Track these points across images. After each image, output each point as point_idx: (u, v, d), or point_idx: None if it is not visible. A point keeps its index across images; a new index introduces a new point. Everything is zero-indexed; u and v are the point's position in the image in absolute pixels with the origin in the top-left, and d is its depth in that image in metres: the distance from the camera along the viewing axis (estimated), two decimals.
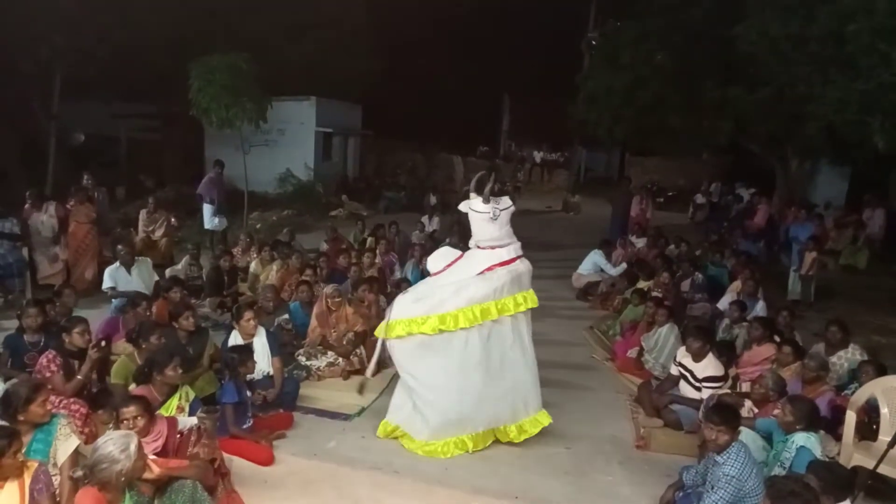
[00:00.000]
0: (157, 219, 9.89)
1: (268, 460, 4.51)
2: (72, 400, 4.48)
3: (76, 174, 10.55)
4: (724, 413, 3.88)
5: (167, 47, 14.81)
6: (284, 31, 18.73)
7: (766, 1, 9.79)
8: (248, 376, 5.05)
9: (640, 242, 11.62)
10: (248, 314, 5.46)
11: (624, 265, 10.01)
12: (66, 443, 3.52)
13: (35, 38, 13.24)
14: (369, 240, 10.59)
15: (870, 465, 4.11)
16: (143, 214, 9.96)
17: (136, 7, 14.09)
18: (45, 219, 8.35)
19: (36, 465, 3.21)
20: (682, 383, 5.59)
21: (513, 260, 4.98)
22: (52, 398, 4.27)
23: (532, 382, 5.07)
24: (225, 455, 4.23)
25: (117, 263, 7.38)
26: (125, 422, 3.64)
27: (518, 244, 5.08)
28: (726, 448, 3.78)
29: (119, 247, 7.56)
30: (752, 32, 9.96)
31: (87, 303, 7.49)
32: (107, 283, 7.27)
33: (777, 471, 4.08)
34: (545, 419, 5.06)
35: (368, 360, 6.29)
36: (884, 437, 4.34)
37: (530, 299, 4.98)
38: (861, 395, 4.73)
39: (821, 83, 8.90)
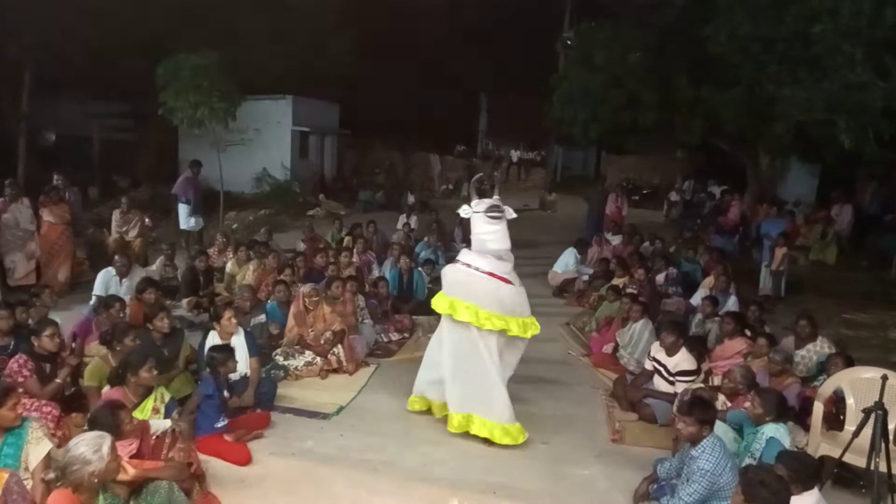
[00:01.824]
0: (131, 219, 9.75)
1: (245, 460, 4.48)
2: (44, 402, 4.42)
3: (47, 174, 10.36)
4: (694, 407, 3.96)
5: (142, 46, 14.61)
6: (262, 30, 18.59)
7: (736, 2, 9.94)
8: (230, 376, 5.04)
9: (616, 240, 11.75)
10: (228, 313, 5.43)
11: (590, 270, 10.09)
12: (38, 446, 3.48)
13: (2, 36, 12.98)
14: (346, 239, 10.57)
15: (836, 454, 4.21)
16: (116, 215, 9.81)
17: (110, 5, 13.87)
18: (23, 209, 8.19)
19: (7, 475, 3.17)
20: (657, 378, 5.70)
21: (465, 264, 5.04)
22: (25, 401, 4.22)
23: (489, 394, 4.98)
24: (201, 456, 4.21)
25: (112, 269, 7.22)
26: None
27: (474, 255, 5.02)
28: (700, 441, 3.85)
29: (116, 257, 7.42)
30: (721, 33, 10.12)
31: (59, 304, 7.35)
32: (98, 289, 7.06)
33: (748, 461, 4.17)
34: (506, 436, 4.92)
35: (347, 360, 6.35)
36: (850, 427, 4.45)
37: (459, 310, 4.88)
38: (828, 386, 4.85)
39: (789, 83, 9.07)
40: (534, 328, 5.11)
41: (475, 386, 4.97)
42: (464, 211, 5.18)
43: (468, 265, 4.98)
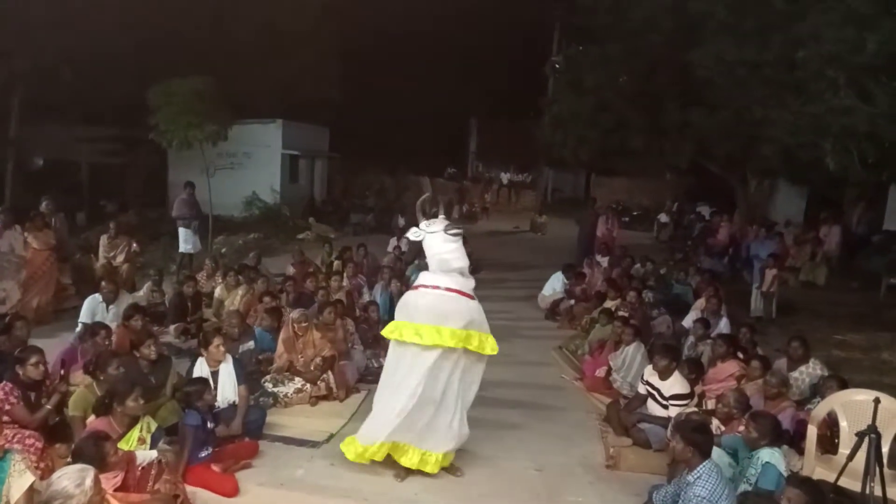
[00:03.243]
0: (119, 244, 9.66)
1: (233, 491, 4.39)
2: (27, 434, 4.33)
3: (35, 199, 10.29)
4: (682, 426, 3.95)
5: (131, 70, 14.67)
6: (251, 54, 18.72)
7: (722, 27, 10.11)
8: (216, 405, 4.96)
9: (606, 262, 11.78)
10: (216, 340, 5.33)
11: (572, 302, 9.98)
12: (20, 479, 3.40)
13: None
14: (336, 263, 10.51)
15: (831, 477, 4.17)
16: (103, 240, 9.72)
17: (100, 30, 13.94)
18: (17, 236, 8.11)
19: None
20: (650, 402, 5.66)
21: (433, 286, 4.83)
22: (7, 432, 4.13)
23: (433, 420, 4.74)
24: (188, 487, 4.12)
25: (99, 296, 7.12)
26: None
27: (440, 275, 4.83)
28: (693, 464, 3.81)
29: (103, 283, 7.34)
30: (708, 58, 10.28)
31: (43, 331, 7.27)
32: (84, 316, 6.95)
33: (743, 487, 4.13)
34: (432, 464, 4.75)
35: (337, 386, 6.27)
36: (844, 451, 4.43)
37: (426, 334, 4.64)
38: (821, 409, 4.83)
39: (775, 107, 9.20)
40: (492, 345, 4.85)
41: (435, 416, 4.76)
42: (413, 234, 5.00)
43: (437, 286, 4.76)
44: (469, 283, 4.88)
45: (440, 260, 4.84)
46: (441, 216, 5.07)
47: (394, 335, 4.79)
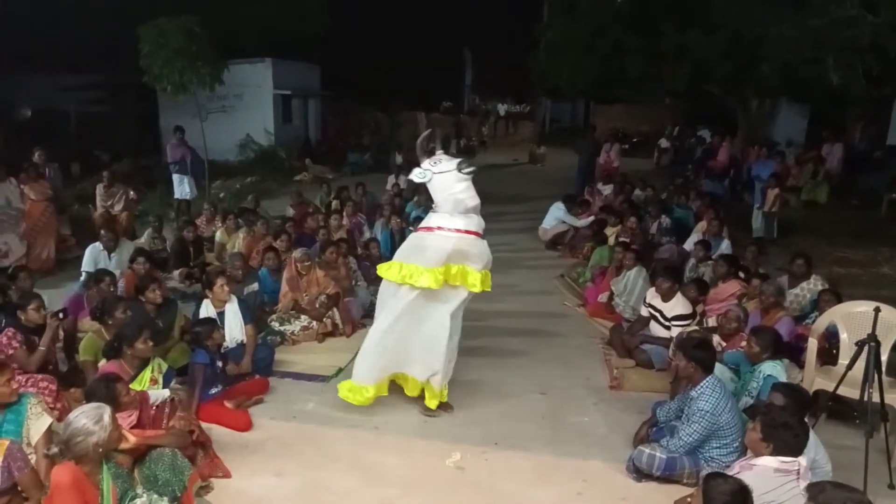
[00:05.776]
0: (115, 193, 9.60)
1: (246, 426, 4.51)
2: (40, 377, 4.41)
3: (25, 151, 10.14)
4: (683, 344, 4.04)
5: (111, 13, 14.17)
6: None
7: None
8: (223, 346, 5.03)
9: (607, 189, 11.71)
10: (220, 280, 5.38)
11: (591, 218, 9.92)
12: (38, 421, 3.48)
13: None
14: (335, 203, 10.47)
15: (831, 388, 4.26)
16: (99, 189, 9.65)
17: None
18: (12, 189, 8.04)
19: (7, 443, 3.16)
20: (652, 323, 5.73)
21: (454, 230, 4.55)
22: (20, 377, 4.21)
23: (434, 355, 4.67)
24: (203, 424, 4.23)
25: (99, 245, 7.14)
26: None
27: (458, 216, 4.53)
28: (696, 380, 3.89)
29: (102, 232, 7.35)
30: None
31: (47, 282, 7.32)
32: (86, 265, 7.00)
33: (745, 400, 4.23)
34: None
35: (343, 322, 6.34)
36: (843, 361, 4.50)
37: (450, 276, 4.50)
38: (821, 322, 4.87)
39: (775, 23, 8.94)
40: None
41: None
42: (418, 175, 4.61)
43: (458, 230, 4.48)
44: (482, 223, 4.67)
45: (454, 200, 4.50)
46: (440, 152, 4.78)
47: (424, 282, 4.42)
